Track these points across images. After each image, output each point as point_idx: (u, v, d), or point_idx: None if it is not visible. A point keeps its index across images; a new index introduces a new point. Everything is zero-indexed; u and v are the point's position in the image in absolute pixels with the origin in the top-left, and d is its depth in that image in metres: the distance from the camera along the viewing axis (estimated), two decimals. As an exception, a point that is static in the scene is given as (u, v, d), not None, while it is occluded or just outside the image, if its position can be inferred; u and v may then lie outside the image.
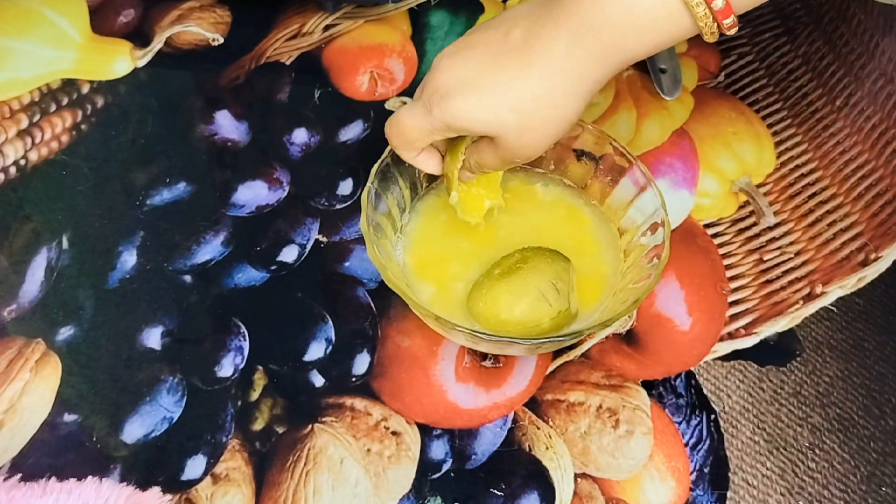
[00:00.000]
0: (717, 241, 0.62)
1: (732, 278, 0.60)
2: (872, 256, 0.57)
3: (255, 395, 0.53)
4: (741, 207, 0.64)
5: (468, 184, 0.52)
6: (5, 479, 0.47)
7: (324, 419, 0.52)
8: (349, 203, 0.62)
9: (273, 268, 0.58)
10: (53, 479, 0.49)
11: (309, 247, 0.59)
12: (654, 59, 0.70)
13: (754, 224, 0.63)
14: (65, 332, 0.55)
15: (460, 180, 0.51)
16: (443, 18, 0.74)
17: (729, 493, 0.52)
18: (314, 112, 0.67)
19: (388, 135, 0.49)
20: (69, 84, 0.67)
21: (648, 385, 0.55)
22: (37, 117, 0.65)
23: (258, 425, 0.52)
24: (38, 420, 0.51)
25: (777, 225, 0.63)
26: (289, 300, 0.57)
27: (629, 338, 0.56)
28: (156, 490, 0.49)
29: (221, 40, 0.71)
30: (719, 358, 0.57)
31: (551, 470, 0.51)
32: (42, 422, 0.51)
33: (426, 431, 0.52)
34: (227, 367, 0.54)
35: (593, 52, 0.40)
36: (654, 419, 0.53)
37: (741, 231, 0.63)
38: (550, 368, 0.55)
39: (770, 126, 0.69)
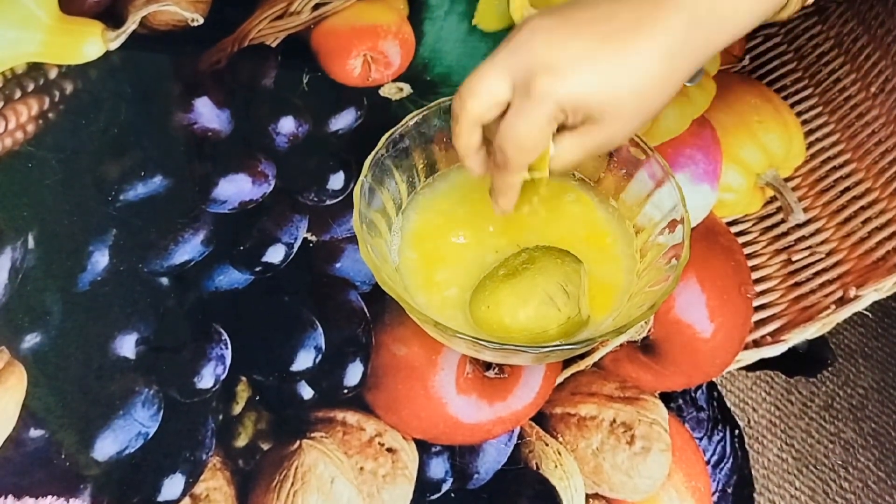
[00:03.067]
0: (741, 239, 0.62)
1: (758, 281, 0.60)
2: (911, 257, 0.57)
3: (237, 409, 0.53)
4: (768, 203, 0.64)
5: None
6: (-35, 501, 0.47)
7: (313, 435, 0.52)
8: (340, 198, 0.61)
9: (257, 269, 0.58)
10: (17, 499, 0.48)
11: (296, 246, 0.59)
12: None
13: (782, 221, 0.63)
14: (31, 340, 0.54)
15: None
16: (443, -3, 0.74)
17: (754, 516, 0.52)
18: (302, 99, 0.67)
19: (505, 149, 0.46)
20: (35, 68, 0.67)
21: (666, 397, 0.54)
22: (0, 105, 0.64)
23: (241, 441, 0.52)
24: (1, 435, 0.51)
25: (807, 222, 0.63)
26: (274, 305, 0.57)
27: (645, 346, 0.56)
28: (130, 512, 0.48)
29: (201, 20, 0.71)
30: (744, 368, 0.56)
31: (560, 490, 0.51)
32: (6, 437, 0.51)
33: (424, 448, 0.52)
34: (207, 378, 0.53)
35: (698, 44, 0.44)
36: (672, 435, 0.53)
37: (767, 229, 0.63)
38: (560, 379, 0.55)
39: (799, 114, 0.68)
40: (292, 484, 0.50)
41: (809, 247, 0.62)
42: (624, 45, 0.43)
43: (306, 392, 0.53)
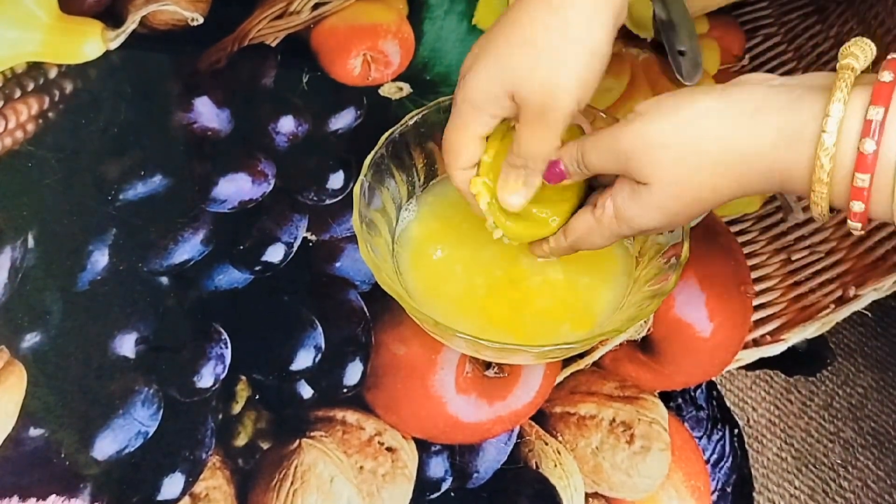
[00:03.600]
0: (740, 239, 0.62)
1: (757, 280, 0.60)
2: (910, 256, 0.57)
3: (237, 408, 0.53)
4: (767, 203, 0.64)
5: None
6: (-35, 500, 0.47)
7: (312, 434, 0.52)
8: (340, 198, 0.61)
9: (257, 269, 0.58)
10: (17, 499, 0.49)
11: (296, 246, 0.59)
12: (673, 40, 0.70)
13: (781, 221, 0.63)
14: (30, 339, 0.54)
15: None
16: (442, -4, 0.74)
17: (754, 515, 0.52)
18: (302, 99, 0.67)
19: (445, 151, 0.50)
20: (35, 68, 0.67)
21: (666, 397, 0.54)
22: (0, 104, 0.64)
23: (241, 440, 0.52)
24: (0, 435, 0.51)
25: (806, 222, 0.63)
26: (274, 304, 0.57)
27: (645, 345, 0.56)
28: (129, 511, 0.48)
29: (201, 20, 0.71)
30: (743, 367, 0.56)
31: (560, 489, 0.51)
32: (5, 436, 0.51)
33: (424, 447, 0.52)
34: (207, 378, 0.53)
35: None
36: (672, 434, 0.53)
37: (767, 228, 0.63)
38: (559, 378, 0.55)
39: (799, 114, 0.68)
40: (292, 483, 0.50)
41: (809, 246, 0.62)
42: (514, 32, 0.45)
43: (306, 391, 0.53)
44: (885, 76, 0.37)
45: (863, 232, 0.39)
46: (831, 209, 0.39)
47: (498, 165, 0.49)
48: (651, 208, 0.43)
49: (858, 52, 0.39)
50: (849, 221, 0.38)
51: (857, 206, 0.37)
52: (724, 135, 0.40)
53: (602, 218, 0.46)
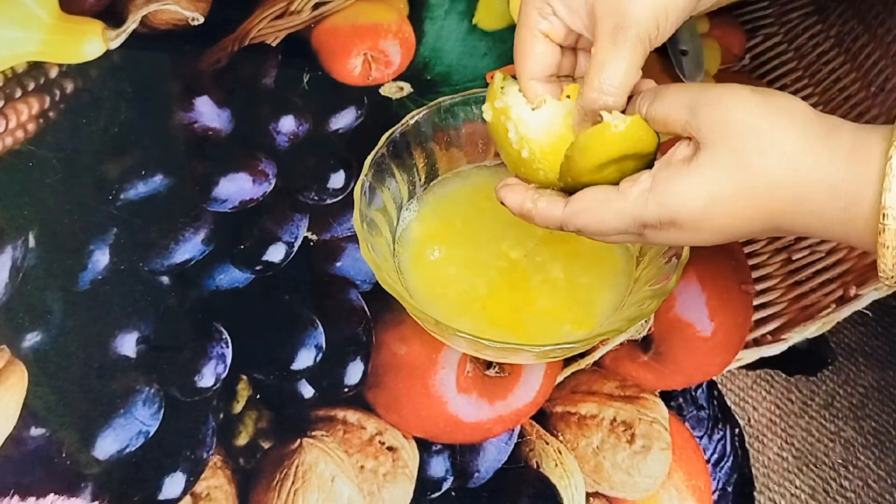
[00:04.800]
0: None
1: (758, 279, 0.60)
2: (911, 256, 0.57)
3: (238, 407, 0.53)
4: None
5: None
6: (-34, 499, 0.47)
7: (313, 433, 0.52)
8: (341, 197, 0.62)
9: (258, 268, 0.58)
10: (18, 498, 0.49)
11: (297, 245, 0.59)
12: (675, 40, 0.70)
13: (782, 220, 0.63)
14: (31, 339, 0.54)
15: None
16: (443, -4, 0.74)
17: (754, 514, 0.52)
18: (303, 98, 0.67)
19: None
20: (36, 67, 0.67)
21: (667, 396, 0.54)
22: (0, 104, 0.64)
23: (242, 440, 0.52)
24: (2, 434, 0.51)
25: (807, 221, 0.63)
26: (275, 304, 0.57)
27: (646, 344, 0.56)
28: (130, 510, 0.48)
29: (202, 19, 0.71)
30: (744, 366, 0.56)
31: (561, 489, 0.51)
32: (7, 436, 0.51)
33: (425, 447, 0.52)
34: (207, 377, 0.53)
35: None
36: (672, 433, 0.53)
37: (768, 228, 0.63)
38: (560, 378, 0.55)
39: (799, 113, 0.68)
40: (293, 482, 0.50)
41: (809, 246, 0.62)
42: None
43: (307, 391, 0.54)
44: None
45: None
46: None
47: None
48: (699, 180, 0.39)
49: None
50: None
51: None
52: (805, 132, 0.38)
53: (629, 190, 0.41)
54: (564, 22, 0.44)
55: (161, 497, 0.49)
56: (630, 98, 0.43)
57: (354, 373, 0.54)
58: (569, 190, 0.45)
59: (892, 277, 0.38)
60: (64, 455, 0.51)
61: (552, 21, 0.45)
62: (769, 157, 0.38)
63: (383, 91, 0.68)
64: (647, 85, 0.44)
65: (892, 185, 0.35)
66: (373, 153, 0.53)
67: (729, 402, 0.55)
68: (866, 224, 0.37)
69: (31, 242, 0.58)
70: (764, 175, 0.38)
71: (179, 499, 0.50)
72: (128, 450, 0.51)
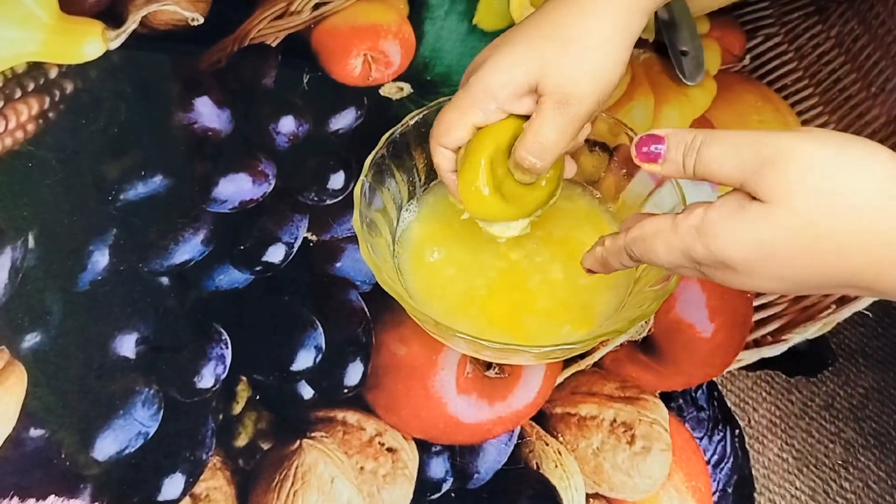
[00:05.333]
0: (741, 239, 0.62)
1: (758, 280, 0.60)
2: (911, 257, 0.57)
3: (238, 408, 0.53)
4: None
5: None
6: (-34, 500, 0.47)
7: (313, 434, 0.52)
8: (341, 198, 0.61)
9: (258, 269, 0.58)
10: (17, 499, 0.49)
11: (297, 246, 0.59)
12: (675, 40, 0.70)
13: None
14: (31, 339, 0.54)
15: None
16: (443, -4, 0.74)
17: (754, 515, 0.52)
18: (302, 99, 0.67)
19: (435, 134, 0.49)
20: (35, 68, 0.67)
21: (667, 397, 0.54)
22: (0, 104, 0.64)
23: (241, 441, 0.52)
24: (1, 435, 0.51)
25: (807, 222, 0.63)
26: (275, 304, 0.57)
27: (646, 345, 0.56)
28: (130, 512, 0.48)
29: (201, 20, 0.71)
30: (744, 367, 0.56)
31: (561, 490, 0.51)
32: (6, 437, 0.51)
33: (424, 448, 0.52)
34: (207, 378, 0.53)
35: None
36: (672, 434, 0.53)
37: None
38: (560, 379, 0.55)
39: (799, 114, 0.68)
40: (292, 483, 0.50)
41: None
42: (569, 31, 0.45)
43: (306, 392, 0.53)
44: None
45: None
46: None
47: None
48: (750, 234, 0.36)
49: None
50: None
51: None
52: (889, 190, 0.34)
53: (681, 224, 0.39)
54: (506, 110, 0.47)
55: (160, 498, 0.49)
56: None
57: (354, 374, 0.54)
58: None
59: None
60: (63, 456, 0.51)
61: (489, 115, 0.47)
62: (840, 219, 0.34)
63: (383, 91, 0.68)
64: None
65: None
66: (373, 154, 0.53)
67: (729, 403, 0.55)
68: None
69: (31, 243, 0.58)
70: (832, 238, 0.34)
71: (179, 500, 0.49)
72: (127, 451, 0.51)
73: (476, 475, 0.51)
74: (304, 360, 0.54)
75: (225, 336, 0.55)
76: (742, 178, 0.36)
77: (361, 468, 0.51)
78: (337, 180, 0.62)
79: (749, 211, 0.36)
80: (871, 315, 0.61)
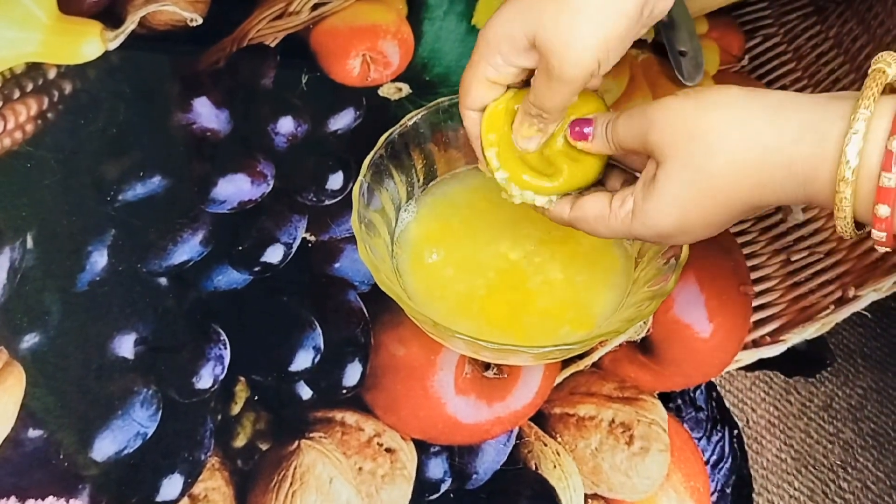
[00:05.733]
0: (740, 239, 0.62)
1: (757, 281, 0.60)
2: (910, 257, 0.57)
3: (236, 409, 0.53)
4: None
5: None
6: (-36, 501, 0.47)
7: (311, 435, 0.52)
8: (339, 198, 0.61)
9: (256, 269, 0.58)
10: (16, 499, 0.48)
11: (295, 246, 0.59)
12: (674, 41, 0.70)
13: (781, 221, 0.63)
14: (29, 340, 0.54)
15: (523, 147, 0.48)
16: (442, -3, 0.74)
17: (753, 516, 0.52)
18: (301, 99, 0.67)
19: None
20: (34, 68, 0.67)
21: (665, 398, 0.54)
22: (-1, 105, 0.64)
23: (240, 441, 0.52)
24: (0, 435, 0.51)
25: (806, 222, 0.63)
26: (273, 305, 0.57)
27: (644, 346, 0.56)
28: (128, 512, 0.48)
29: (200, 20, 0.71)
30: (743, 368, 0.56)
31: (559, 490, 0.51)
32: (4, 437, 0.51)
33: (423, 448, 0.52)
34: (206, 378, 0.53)
35: None
36: (671, 435, 0.53)
37: (766, 229, 0.63)
38: (558, 379, 0.55)
39: (798, 114, 0.68)
40: (291, 484, 0.50)
41: (808, 247, 0.62)
42: None
43: (305, 392, 0.53)
44: None
45: (889, 248, 0.38)
46: (858, 226, 0.38)
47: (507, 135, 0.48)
48: (665, 199, 0.42)
49: (891, 59, 0.37)
50: (873, 232, 0.37)
51: (883, 211, 0.36)
52: (746, 122, 0.39)
53: (618, 211, 0.44)
54: (513, 64, 0.46)
55: (159, 499, 0.49)
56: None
57: (353, 374, 0.54)
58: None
59: (849, 224, 0.38)
60: (62, 457, 0.51)
61: (499, 69, 0.47)
62: (718, 158, 0.40)
63: (382, 92, 0.68)
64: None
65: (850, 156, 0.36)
66: (371, 154, 0.53)
67: (728, 404, 0.55)
68: (826, 197, 0.38)
69: (30, 243, 0.58)
70: (719, 175, 0.40)
71: (177, 500, 0.49)
72: (126, 451, 0.51)
73: (475, 475, 0.51)
74: (303, 360, 0.54)
75: (223, 336, 0.55)
76: (641, 144, 0.42)
77: (360, 468, 0.51)
78: (335, 181, 0.62)
79: (657, 180, 0.42)
80: (869, 316, 0.61)
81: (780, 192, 0.39)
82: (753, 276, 0.60)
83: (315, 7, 0.72)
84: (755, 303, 0.59)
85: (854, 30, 0.71)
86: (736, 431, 0.54)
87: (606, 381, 0.55)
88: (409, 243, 0.55)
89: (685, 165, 0.40)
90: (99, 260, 0.58)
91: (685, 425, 0.54)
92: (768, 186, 0.39)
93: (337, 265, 0.59)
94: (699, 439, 0.53)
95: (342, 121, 0.66)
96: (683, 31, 0.70)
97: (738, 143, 0.39)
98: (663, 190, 0.42)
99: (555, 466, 0.51)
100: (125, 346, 0.54)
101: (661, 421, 0.53)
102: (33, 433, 0.51)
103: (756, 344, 0.57)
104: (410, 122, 0.55)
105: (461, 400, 0.53)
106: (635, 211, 0.43)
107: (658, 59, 0.70)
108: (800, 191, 0.39)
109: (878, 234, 0.37)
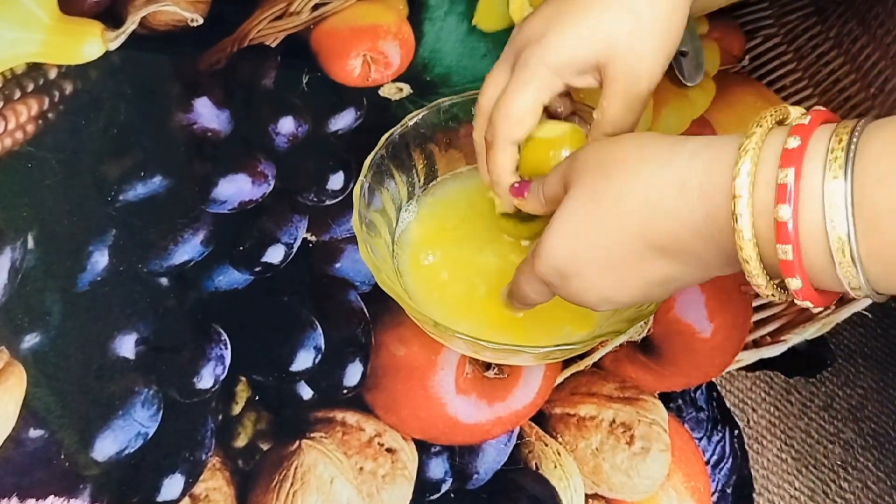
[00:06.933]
0: (740, 240, 0.62)
1: (758, 281, 0.60)
2: (910, 257, 0.57)
3: (237, 409, 0.53)
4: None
5: None
6: (-35, 501, 0.47)
7: (312, 435, 0.52)
8: (340, 199, 0.61)
9: (257, 269, 0.58)
10: (17, 499, 0.49)
11: (296, 246, 0.59)
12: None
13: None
14: (30, 340, 0.54)
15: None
16: (442, -3, 0.74)
17: (754, 516, 0.52)
18: (302, 99, 0.67)
19: (494, 118, 0.47)
20: (35, 69, 0.67)
21: (666, 398, 0.54)
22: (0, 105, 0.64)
23: (241, 441, 0.52)
24: (1, 435, 0.51)
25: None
26: (274, 305, 0.57)
27: (645, 346, 0.56)
28: (129, 512, 0.48)
29: (201, 20, 0.71)
30: (743, 368, 0.56)
31: (560, 490, 0.51)
32: (5, 437, 0.51)
33: (424, 448, 0.52)
34: (206, 378, 0.53)
35: None
36: (672, 435, 0.53)
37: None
38: (559, 379, 0.55)
39: (799, 114, 0.68)
40: (292, 484, 0.50)
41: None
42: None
43: (306, 392, 0.53)
44: (792, 142, 0.32)
45: (828, 309, 0.37)
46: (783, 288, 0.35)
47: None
48: (557, 226, 0.40)
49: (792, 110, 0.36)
50: (796, 301, 0.34)
51: (795, 284, 0.32)
52: (646, 146, 0.38)
53: (529, 260, 0.43)
54: (571, 85, 0.46)
55: (160, 499, 0.49)
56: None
57: (353, 374, 0.54)
58: None
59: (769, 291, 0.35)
60: (63, 457, 0.51)
61: (555, 91, 0.46)
62: (611, 181, 0.38)
63: (382, 92, 0.68)
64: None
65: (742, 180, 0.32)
66: (372, 154, 0.53)
67: (728, 404, 0.55)
68: (725, 220, 0.34)
69: (31, 243, 0.58)
70: (609, 197, 0.38)
71: (178, 500, 0.50)
72: (126, 451, 0.51)
73: (475, 476, 0.51)
74: (304, 360, 0.54)
75: (224, 336, 0.55)
76: (563, 186, 0.42)
77: (361, 469, 0.51)
78: (336, 181, 0.62)
79: (557, 212, 0.40)
80: (870, 316, 0.61)
81: (675, 216, 0.36)
82: (754, 276, 0.60)
83: (316, 7, 0.72)
84: (755, 303, 0.59)
85: (854, 30, 0.71)
86: (736, 431, 0.54)
87: (607, 382, 0.55)
88: (410, 244, 0.55)
89: (583, 191, 0.39)
90: (100, 260, 0.58)
91: (686, 425, 0.54)
92: (659, 208, 0.36)
93: (338, 265, 0.59)
94: (700, 439, 0.53)
95: (343, 121, 0.66)
96: (685, 32, 0.70)
97: (632, 165, 0.38)
98: (558, 217, 0.40)
99: (555, 466, 0.52)
100: (126, 346, 0.54)
101: (662, 421, 0.53)
102: (34, 433, 0.51)
103: (756, 344, 0.57)
104: (411, 123, 0.55)
105: (462, 400, 0.53)
106: (536, 248, 0.42)
107: (658, 59, 0.70)
108: (697, 216, 0.35)
109: (802, 304, 0.34)
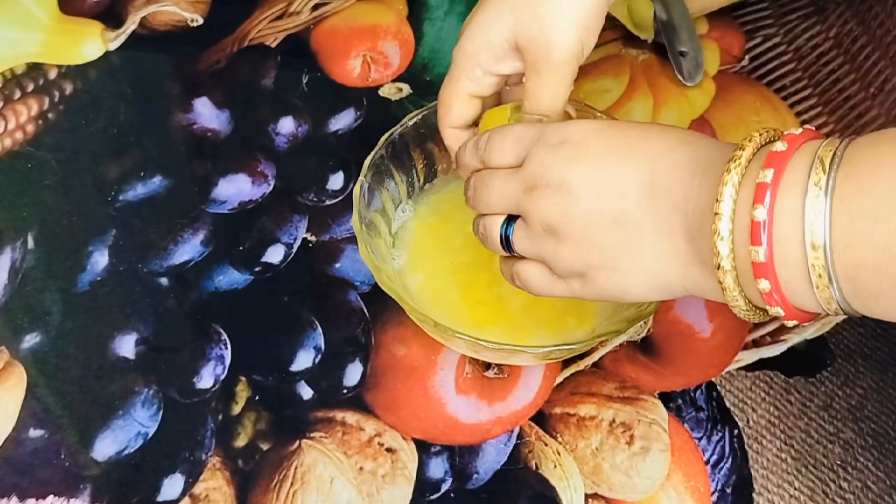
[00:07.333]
0: (740, 240, 0.62)
1: (757, 281, 0.60)
2: (910, 257, 0.57)
3: (237, 409, 0.53)
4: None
5: None
6: (-35, 501, 0.47)
7: (312, 435, 0.52)
8: (340, 199, 0.61)
9: (257, 269, 0.58)
10: (17, 499, 0.49)
11: (296, 246, 0.59)
12: (674, 41, 0.70)
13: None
14: (30, 340, 0.54)
15: None
16: (442, -3, 0.74)
17: (753, 515, 0.52)
18: (302, 99, 0.67)
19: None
20: (35, 69, 0.67)
21: (666, 397, 0.54)
22: (-1, 105, 0.65)
23: (241, 441, 0.52)
24: (1, 435, 0.51)
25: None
26: (274, 305, 0.57)
27: (645, 346, 0.56)
28: (129, 512, 0.48)
29: (201, 21, 0.71)
30: (743, 368, 0.56)
31: (560, 490, 0.51)
32: (6, 437, 0.51)
33: (424, 448, 0.52)
34: (206, 378, 0.53)
35: None
36: (671, 434, 0.53)
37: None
38: (559, 379, 0.55)
39: (798, 114, 0.68)
40: (292, 484, 0.50)
41: (809, 247, 0.61)
42: None
43: (306, 392, 0.53)
44: (779, 146, 0.33)
45: (805, 322, 0.36)
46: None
47: None
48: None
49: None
50: (769, 308, 0.35)
51: (764, 285, 0.33)
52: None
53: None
54: (493, 73, 0.46)
55: (160, 499, 0.49)
56: None
57: (353, 374, 0.54)
58: None
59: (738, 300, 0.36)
60: (63, 456, 0.51)
61: (480, 81, 0.47)
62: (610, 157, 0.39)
63: (382, 92, 0.68)
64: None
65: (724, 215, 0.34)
66: (372, 154, 0.53)
67: (728, 404, 0.55)
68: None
69: (31, 244, 0.58)
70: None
71: (178, 500, 0.50)
72: (126, 451, 0.51)
73: (475, 475, 0.51)
74: (304, 360, 0.54)
75: (224, 336, 0.55)
76: None
77: (361, 468, 0.51)
78: (336, 181, 0.62)
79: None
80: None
81: (638, 213, 0.37)
82: (754, 276, 0.60)
83: (315, 7, 0.72)
84: (755, 303, 0.58)
85: (854, 30, 0.71)
86: (736, 431, 0.54)
87: (607, 381, 0.55)
88: (410, 243, 0.55)
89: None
90: (100, 260, 0.58)
91: (685, 425, 0.54)
92: (617, 201, 0.37)
93: (337, 265, 0.59)
94: (699, 439, 0.53)
95: (343, 121, 0.66)
96: (683, 32, 0.70)
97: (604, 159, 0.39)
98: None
99: (555, 466, 0.52)
100: (126, 346, 0.55)
101: (662, 421, 0.53)
102: (34, 433, 0.51)
103: (756, 344, 0.57)
104: (411, 122, 0.55)
105: (462, 400, 0.53)
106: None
107: (658, 59, 0.70)
108: (677, 221, 0.37)
109: (774, 310, 0.35)
